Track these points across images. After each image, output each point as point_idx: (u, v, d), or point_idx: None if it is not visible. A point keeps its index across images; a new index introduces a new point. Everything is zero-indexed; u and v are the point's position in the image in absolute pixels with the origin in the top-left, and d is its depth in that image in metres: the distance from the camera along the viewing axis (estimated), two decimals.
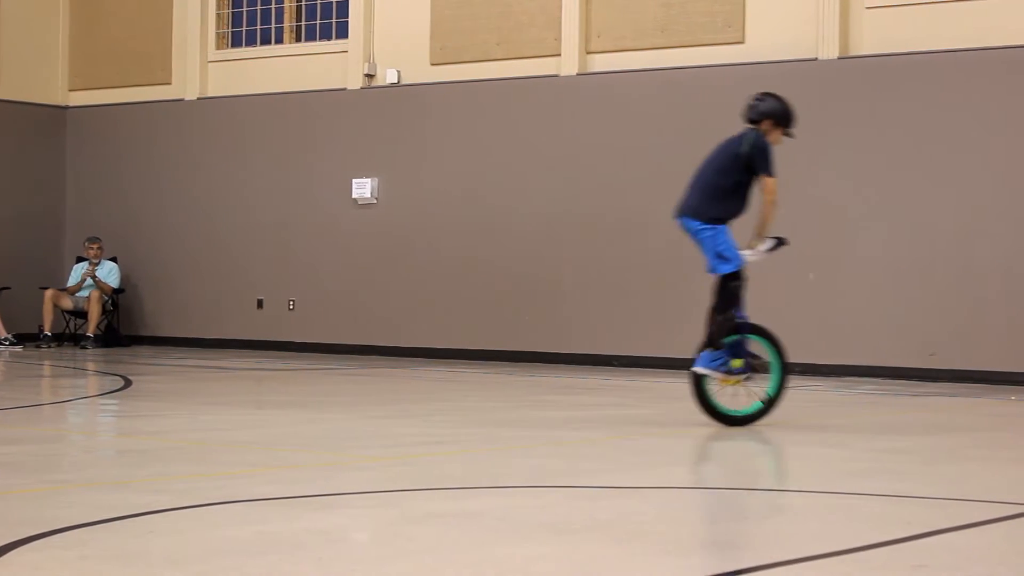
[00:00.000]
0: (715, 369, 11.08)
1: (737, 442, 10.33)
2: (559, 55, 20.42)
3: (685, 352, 19.23)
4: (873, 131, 18.11)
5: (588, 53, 20.32)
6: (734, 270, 11.20)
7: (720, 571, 5.28)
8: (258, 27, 23.21)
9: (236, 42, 23.40)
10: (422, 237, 21.27)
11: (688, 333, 19.29)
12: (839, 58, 18.51)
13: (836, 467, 8.92)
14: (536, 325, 20.35)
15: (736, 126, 18.77)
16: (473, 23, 21.10)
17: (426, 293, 21.20)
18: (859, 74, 18.41)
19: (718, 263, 11.21)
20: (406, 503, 7.03)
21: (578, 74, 20.25)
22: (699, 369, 11.09)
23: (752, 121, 11.56)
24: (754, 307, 11.92)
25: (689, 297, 19.28)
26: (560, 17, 20.36)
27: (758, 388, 11.31)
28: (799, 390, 15.82)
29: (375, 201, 21.66)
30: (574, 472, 8.34)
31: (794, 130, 11.65)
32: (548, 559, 5.56)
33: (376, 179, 21.65)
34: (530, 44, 20.72)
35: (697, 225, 11.26)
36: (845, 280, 18.23)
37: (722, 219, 11.25)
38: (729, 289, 11.24)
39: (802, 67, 18.73)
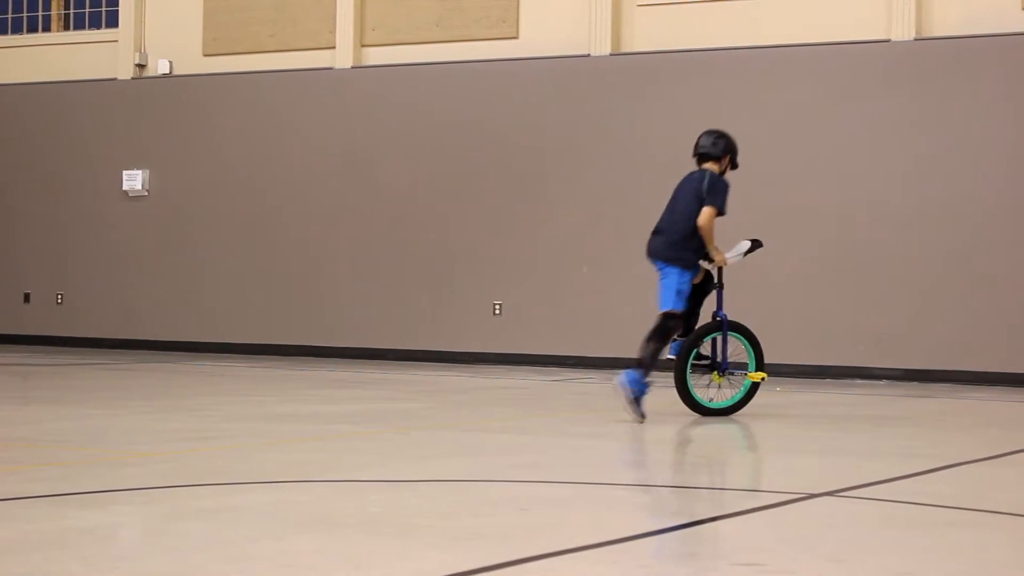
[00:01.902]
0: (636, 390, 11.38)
1: (507, 435, 10.38)
2: (334, 48, 20.34)
3: (457, 346, 19.38)
4: (644, 126, 18.38)
5: (363, 46, 20.28)
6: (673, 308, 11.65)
7: (491, 563, 5.30)
8: (24, 14, 22.66)
9: (1, 29, 22.82)
10: (194, 230, 21.00)
11: (464, 327, 19.44)
12: (611, 54, 18.74)
13: (603, 458, 9.02)
14: (309, 319, 20.24)
15: (509, 121, 18.98)
16: (247, 14, 20.89)
17: (198, 286, 20.93)
18: (631, 70, 18.67)
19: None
20: (174, 499, 6.92)
21: (353, 67, 20.19)
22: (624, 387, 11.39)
23: (714, 158, 11.84)
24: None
25: (463, 292, 19.36)
26: (335, 10, 20.28)
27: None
28: (563, 382, 15.97)
29: (146, 193, 21.32)
30: (345, 466, 8.30)
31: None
32: (319, 553, 5.52)
33: (147, 171, 21.31)
34: (305, 36, 20.59)
35: (662, 266, 11.76)
36: (610, 274, 18.45)
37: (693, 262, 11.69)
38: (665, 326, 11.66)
39: (575, 63, 18.93)
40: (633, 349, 18.39)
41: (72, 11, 22.45)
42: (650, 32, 18.76)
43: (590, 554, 5.58)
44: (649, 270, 17.25)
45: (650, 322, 17.94)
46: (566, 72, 18.97)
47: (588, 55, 18.90)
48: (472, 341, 19.39)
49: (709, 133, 12.06)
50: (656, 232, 11.85)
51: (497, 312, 19.21)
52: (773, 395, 14.56)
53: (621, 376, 11.39)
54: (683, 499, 7.34)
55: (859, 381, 17.10)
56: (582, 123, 18.87)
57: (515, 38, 19.45)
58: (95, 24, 22.29)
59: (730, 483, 7.96)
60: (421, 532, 5.99)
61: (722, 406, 11.91)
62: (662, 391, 14.86)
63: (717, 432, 10.91)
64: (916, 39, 17.48)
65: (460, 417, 11.88)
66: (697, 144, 12.01)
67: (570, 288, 18.78)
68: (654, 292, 18.06)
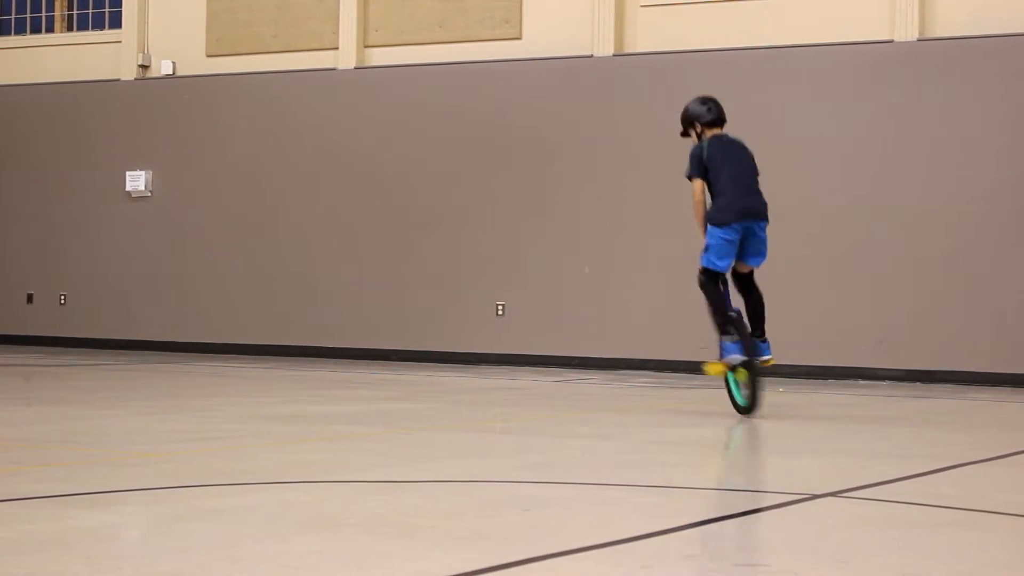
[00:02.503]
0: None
1: (510, 436, 10.39)
2: (337, 48, 20.34)
3: (460, 346, 19.38)
4: (647, 127, 18.38)
5: (366, 47, 20.28)
6: None
7: (494, 563, 5.30)
8: (28, 15, 22.67)
9: (4, 30, 22.84)
10: (197, 231, 21.01)
11: (466, 328, 19.44)
12: (614, 55, 18.74)
13: (606, 459, 9.03)
14: (312, 320, 20.24)
15: (512, 121, 18.95)
16: (250, 15, 20.91)
17: (201, 287, 20.94)
18: (634, 71, 18.68)
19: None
20: (178, 500, 6.92)
21: (356, 68, 20.20)
22: (769, 357, 11.65)
23: (724, 122, 11.96)
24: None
25: (466, 293, 19.37)
26: (338, 10, 20.28)
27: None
28: (564, 382, 15.96)
29: (149, 194, 21.33)
30: (348, 466, 8.31)
31: None
32: (322, 554, 5.53)
33: (150, 172, 21.32)
34: (308, 37, 20.60)
35: (765, 224, 11.72)
36: (617, 276, 18.46)
37: None
38: None
39: (579, 63, 18.93)
40: (636, 350, 18.47)
41: (75, 12, 22.46)
42: (653, 33, 18.76)
43: (593, 555, 5.58)
44: (652, 269, 17.24)
45: (657, 324, 17.98)
46: (569, 73, 18.98)
47: (591, 56, 18.90)
48: (475, 342, 19.39)
49: (715, 101, 12.02)
50: (749, 191, 11.66)
51: (500, 313, 19.22)
52: (775, 395, 14.57)
53: (764, 353, 11.57)
54: (685, 500, 7.34)
55: (861, 381, 17.10)
56: (585, 124, 18.87)
57: (518, 39, 19.45)
58: (98, 25, 22.31)
59: (732, 484, 7.96)
60: (424, 533, 6.00)
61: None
62: (667, 391, 14.86)
63: (720, 433, 10.91)
64: (920, 39, 17.49)
65: (463, 418, 11.88)
66: (718, 108, 11.96)
67: (573, 289, 18.78)
68: (658, 293, 18.12)
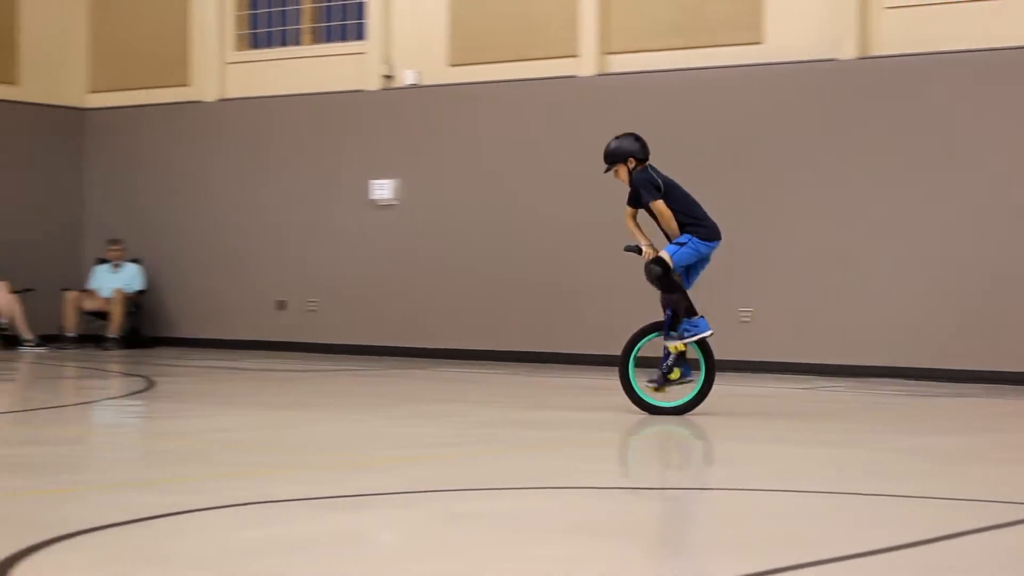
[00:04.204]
0: None
1: (747, 444, 10.32)
2: (577, 56, 20.42)
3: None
4: (891, 131, 18.09)
5: (606, 54, 20.32)
6: None
7: (741, 573, 5.28)
8: (276, 28, 23.25)
9: (255, 43, 23.44)
10: (441, 238, 21.28)
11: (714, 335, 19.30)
12: (858, 58, 18.49)
13: (854, 468, 8.92)
14: (554, 326, 20.34)
15: (754, 127, 18.77)
16: (491, 24, 21.11)
17: (445, 294, 21.21)
18: (878, 74, 18.39)
19: None
20: (427, 504, 7.05)
21: (596, 75, 20.25)
22: None
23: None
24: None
25: (711, 300, 19.29)
26: (577, 18, 20.36)
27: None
28: (812, 390, 15.80)
29: (395, 202, 21.67)
30: (591, 472, 8.35)
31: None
32: (569, 560, 5.58)
33: (395, 181, 21.66)
34: (548, 45, 20.72)
35: None
36: (865, 280, 18.20)
37: None
38: None
39: (821, 67, 18.71)
40: (887, 357, 18.19)
41: (323, 24, 22.93)
42: (898, 34, 18.43)
43: (845, 565, 5.53)
44: (904, 271, 16.98)
45: (908, 328, 17.71)
46: (811, 77, 18.75)
47: (834, 59, 18.67)
48: (719, 348, 19.25)
49: (640, 137, 13.06)
50: None
51: (745, 320, 19.09)
52: (1012, 404, 14.22)
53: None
54: (936, 510, 7.22)
55: None
56: (828, 128, 18.64)
57: (759, 43, 19.28)
58: (344, 37, 22.74)
59: (986, 494, 7.78)
60: (669, 541, 6.02)
61: (671, 405, 12.19)
62: (917, 399, 14.59)
63: (971, 442, 10.70)
64: None
65: (703, 426, 11.84)
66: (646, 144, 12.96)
67: (818, 295, 18.55)
68: (909, 297, 17.84)
